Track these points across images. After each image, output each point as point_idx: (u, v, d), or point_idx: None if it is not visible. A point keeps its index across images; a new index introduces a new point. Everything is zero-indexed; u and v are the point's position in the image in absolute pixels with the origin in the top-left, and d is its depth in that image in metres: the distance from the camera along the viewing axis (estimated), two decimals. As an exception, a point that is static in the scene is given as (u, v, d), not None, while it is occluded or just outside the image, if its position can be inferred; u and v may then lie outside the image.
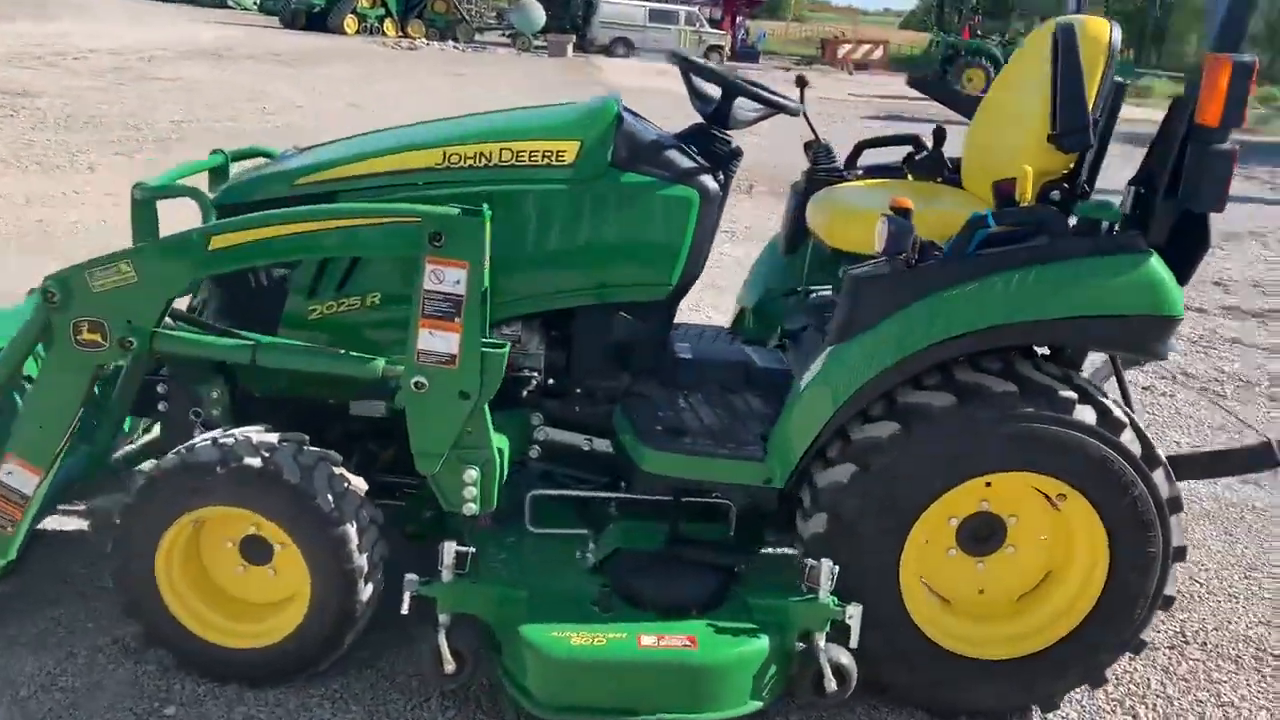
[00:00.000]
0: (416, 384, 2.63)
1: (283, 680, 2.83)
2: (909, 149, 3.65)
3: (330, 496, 2.69)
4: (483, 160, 2.86)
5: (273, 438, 2.74)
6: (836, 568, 2.65)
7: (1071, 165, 2.89)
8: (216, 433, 2.77)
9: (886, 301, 2.68)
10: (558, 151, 2.86)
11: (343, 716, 2.77)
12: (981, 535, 2.87)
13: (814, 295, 3.51)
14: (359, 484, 2.79)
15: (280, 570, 2.82)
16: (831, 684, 2.63)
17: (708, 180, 2.94)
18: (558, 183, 2.86)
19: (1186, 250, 2.74)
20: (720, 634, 2.64)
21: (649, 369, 3.12)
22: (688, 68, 3.04)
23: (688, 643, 2.60)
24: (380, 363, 2.67)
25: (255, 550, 2.81)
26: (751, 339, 3.60)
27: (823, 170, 3.55)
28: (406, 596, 2.62)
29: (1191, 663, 3.27)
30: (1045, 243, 2.66)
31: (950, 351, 2.66)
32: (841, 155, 3.70)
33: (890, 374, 2.67)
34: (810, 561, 2.68)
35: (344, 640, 2.79)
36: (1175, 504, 2.76)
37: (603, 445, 3.08)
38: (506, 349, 2.67)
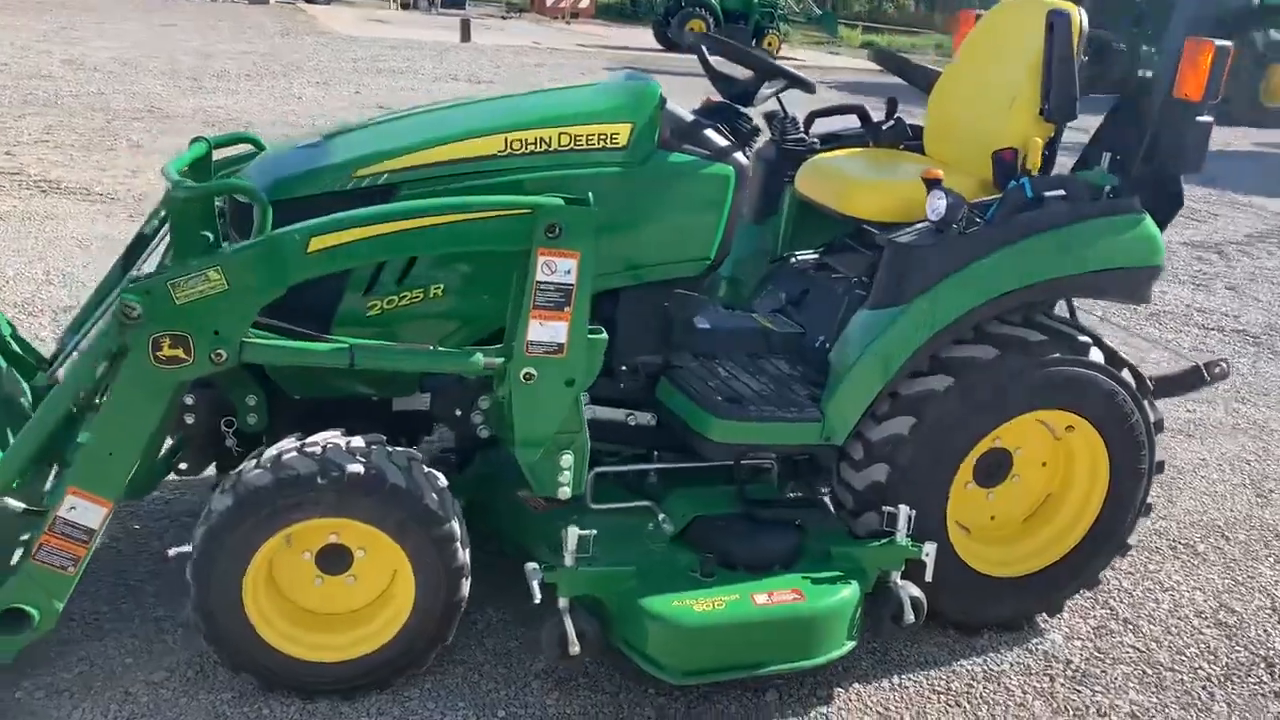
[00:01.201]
0: (525, 375, 2.62)
1: (382, 686, 2.77)
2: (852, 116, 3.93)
3: (435, 495, 2.64)
4: (543, 145, 2.84)
5: (359, 441, 2.65)
6: (914, 512, 2.91)
7: (1050, 135, 3.26)
8: (292, 441, 2.64)
9: (936, 267, 2.93)
10: (611, 134, 2.89)
11: (451, 715, 2.75)
12: (992, 469, 3.22)
13: (796, 260, 3.73)
14: (444, 480, 2.75)
15: (360, 577, 2.74)
16: (910, 616, 2.90)
17: (740, 157, 3.07)
18: (613, 165, 2.90)
19: (1162, 208, 3.18)
20: (818, 584, 2.84)
21: (681, 342, 3.23)
22: (715, 49, 3.14)
23: (795, 596, 2.79)
24: (480, 356, 2.63)
25: (332, 560, 2.71)
26: (729, 304, 3.77)
27: (791, 141, 3.75)
28: (535, 585, 2.63)
29: (1130, 560, 3.82)
30: (1066, 208, 3.01)
31: (997, 309, 2.96)
32: None
33: (946, 333, 2.94)
34: (888, 509, 2.92)
35: (448, 636, 2.76)
36: (1159, 425, 3.22)
37: (644, 418, 3.18)
38: (605, 336, 2.71)
